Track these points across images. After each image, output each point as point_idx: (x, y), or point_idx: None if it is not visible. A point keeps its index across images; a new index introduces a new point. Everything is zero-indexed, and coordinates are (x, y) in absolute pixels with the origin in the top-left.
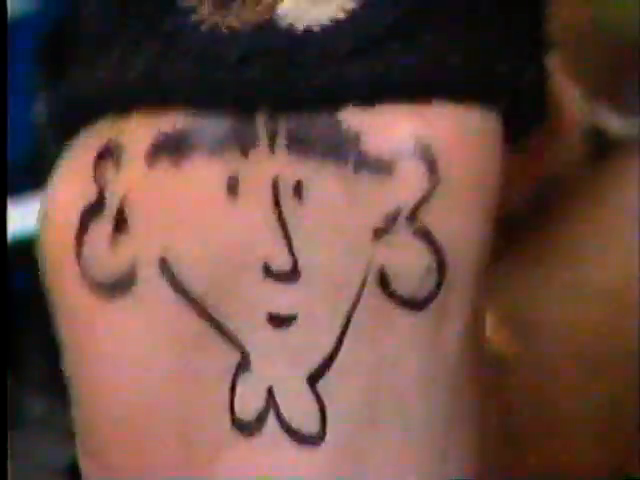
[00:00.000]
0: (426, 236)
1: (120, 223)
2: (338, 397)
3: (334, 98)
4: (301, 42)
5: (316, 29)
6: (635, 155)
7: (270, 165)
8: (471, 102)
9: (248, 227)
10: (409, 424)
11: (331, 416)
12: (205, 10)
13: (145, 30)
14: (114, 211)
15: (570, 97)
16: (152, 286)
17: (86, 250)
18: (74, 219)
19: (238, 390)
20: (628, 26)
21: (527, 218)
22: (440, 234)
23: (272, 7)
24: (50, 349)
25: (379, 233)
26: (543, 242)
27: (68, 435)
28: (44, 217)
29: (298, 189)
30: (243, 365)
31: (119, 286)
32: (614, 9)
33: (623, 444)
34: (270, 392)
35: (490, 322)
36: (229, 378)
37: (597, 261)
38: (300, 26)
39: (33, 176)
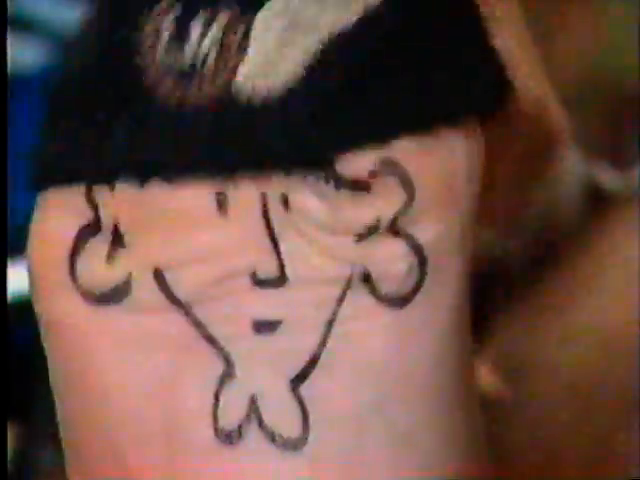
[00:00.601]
0: (406, 238)
1: (117, 239)
2: (321, 399)
3: (301, 161)
4: (262, 115)
5: (273, 99)
6: (631, 207)
7: (257, 183)
8: (427, 127)
9: (237, 238)
10: (393, 427)
11: (314, 419)
12: (167, 86)
13: (116, 109)
14: (110, 228)
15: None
16: (146, 293)
17: (80, 266)
18: (68, 239)
19: (222, 399)
20: (627, 79)
21: (526, 267)
22: (419, 235)
23: (230, 80)
24: None
25: (361, 237)
26: (541, 288)
27: None
28: (34, 241)
29: (284, 200)
30: (227, 373)
31: (114, 295)
32: (614, 62)
33: None
34: (253, 400)
35: (485, 365)
36: (213, 387)
37: (593, 307)
38: (258, 99)
39: None
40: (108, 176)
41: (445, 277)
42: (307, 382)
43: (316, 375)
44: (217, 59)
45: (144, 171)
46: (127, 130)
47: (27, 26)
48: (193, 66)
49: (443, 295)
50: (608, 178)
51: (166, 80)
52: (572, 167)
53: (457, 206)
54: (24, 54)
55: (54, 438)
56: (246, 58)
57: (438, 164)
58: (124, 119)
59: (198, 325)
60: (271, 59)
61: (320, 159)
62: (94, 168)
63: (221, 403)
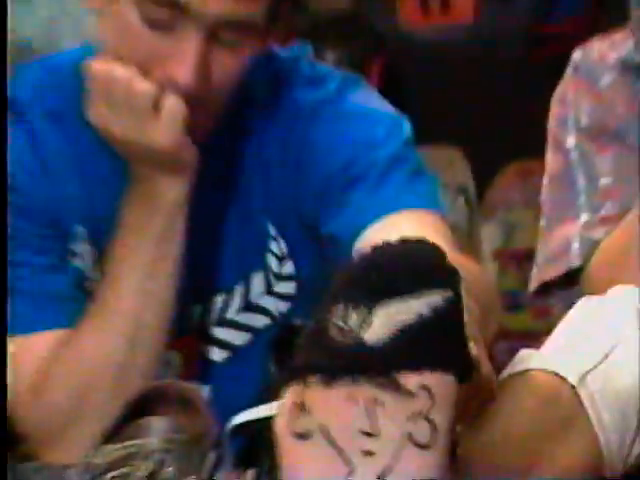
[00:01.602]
0: (432, 423)
1: (304, 409)
2: None
3: (389, 377)
4: (380, 350)
5: (384, 343)
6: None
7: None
8: (444, 372)
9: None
10: None
11: None
12: (340, 335)
13: (316, 349)
14: (304, 406)
15: (486, 370)
16: (318, 438)
17: (294, 421)
18: (287, 411)
19: None
20: None
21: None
22: (435, 419)
23: (362, 337)
24: None
25: (412, 417)
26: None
27: None
28: (277, 412)
29: (375, 401)
30: (351, 472)
31: (304, 436)
32: None
33: None
34: None
35: None
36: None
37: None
38: (380, 343)
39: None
40: (305, 378)
41: (444, 439)
42: (390, 478)
43: (391, 477)
44: (359, 328)
45: (325, 375)
46: (323, 353)
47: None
48: (350, 331)
49: (443, 446)
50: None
51: (340, 334)
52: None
53: (453, 410)
54: None
55: None
56: (370, 329)
57: (447, 395)
58: (323, 349)
59: (339, 451)
60: (385, 325)
61: (396, 376)
62: (298, 375)
63: None
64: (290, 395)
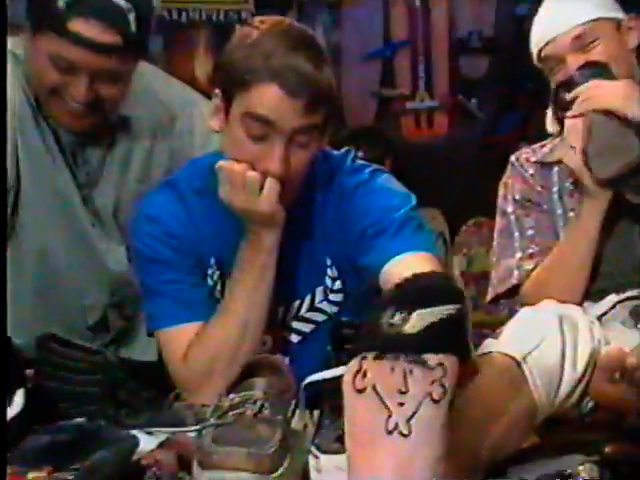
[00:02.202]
0: (444, 387)
1: (362, 373)
2: (417, 429)
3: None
4: (414, 337)
5: (420, 332)
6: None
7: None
8: (453, 355)
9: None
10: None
11: (415, 432)
12: (385, 331)
13: (372, 339)
14: (362, 371)
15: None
16: (370, 393)
17: (353, 382)
18: (351, 374)
19: (389, 421)
20: None
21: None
22: (447, 386)
23: (402, 330)
24: None
25: (432, 383)
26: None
27: None
28: (344, 374)
29: (408, 371)
30: (389, 415)
31: (361, 391)
32: None
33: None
34: (397, 424)
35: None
36: (385, 417)
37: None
38: (415, 332)
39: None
40: (364, 354)
41: (449, 398)
42: (413, 420)
43: (416, 421)
44: (401, 324)
45: (378, 353)
46: (377, 339)
47: None
48: (395, 325)
49: (448, 402)
50: None
51: (388, 327)
52: None
53: (454, 386)
54: None
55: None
56: (408, 325)
57: (453, 368)
58: (377, 336)
59: (382, 401)
60: (418, 323)
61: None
62: (360, 352)
63: (390, 421)
64: (354, 364)
